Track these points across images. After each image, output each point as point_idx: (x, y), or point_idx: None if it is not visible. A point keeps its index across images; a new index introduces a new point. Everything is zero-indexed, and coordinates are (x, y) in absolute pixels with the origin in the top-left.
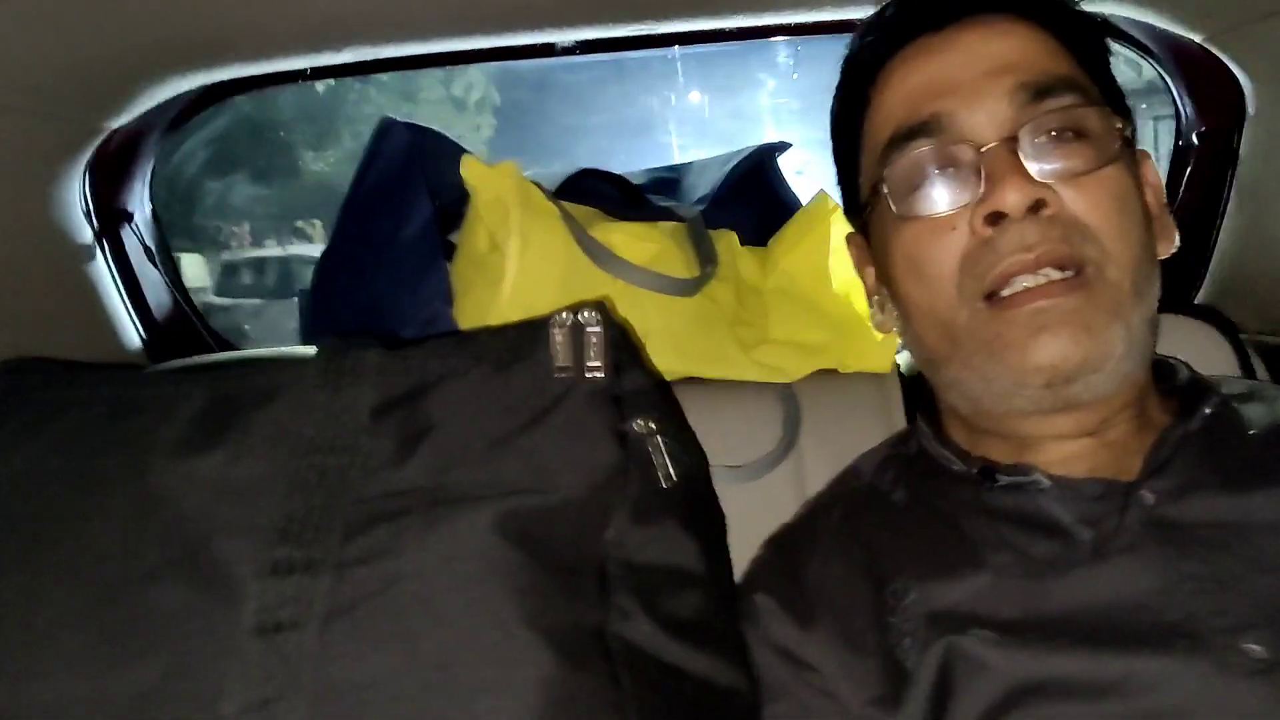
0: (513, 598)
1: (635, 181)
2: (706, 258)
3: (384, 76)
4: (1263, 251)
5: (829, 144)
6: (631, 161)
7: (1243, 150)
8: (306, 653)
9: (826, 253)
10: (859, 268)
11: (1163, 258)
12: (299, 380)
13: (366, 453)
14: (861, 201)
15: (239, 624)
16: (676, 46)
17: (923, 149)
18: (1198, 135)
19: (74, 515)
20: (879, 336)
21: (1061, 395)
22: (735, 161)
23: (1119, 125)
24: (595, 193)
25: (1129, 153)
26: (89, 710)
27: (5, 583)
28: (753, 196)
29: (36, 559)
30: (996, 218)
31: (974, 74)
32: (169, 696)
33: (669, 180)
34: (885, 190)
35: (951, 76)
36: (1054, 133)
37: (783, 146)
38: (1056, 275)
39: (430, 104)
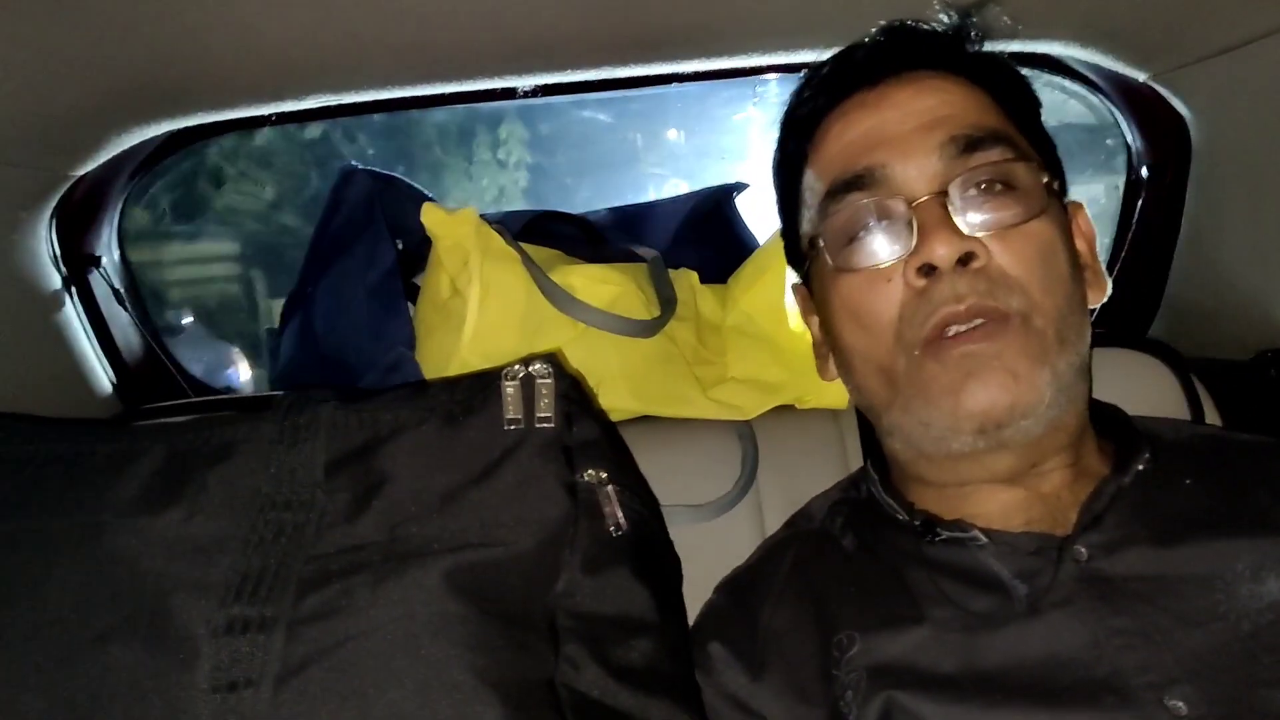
0: (463, 653)
1: (599, 220)
2: (666, 298)
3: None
4: (1212, 283)
5: None
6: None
7: (1190, 184)
8: (261, 711)
9: (783, 291)
10: (805, 317)
11: (1094, 306)
12: (255, 436)
13: (321, 509)
14: (802, 253)
15: (195, 683)
16: (634, 90)
17: (859, 202)
18: (1147, 169)
19: (30, 577)
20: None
21: (993, 439)
22: (695, 201)
23: (1045, 179)
24: (557, 234)
25: (1056, 204)
26: None
27: None
28: (712, 235)
29: None
30: (928, 269)
31: (906, 128)
32: None
33: (630, 219)
34: (822, 244)
35: (884, 131)
36: (983, 186)
37: (740, 186)
38: (980, 322)
39: (480, 164)
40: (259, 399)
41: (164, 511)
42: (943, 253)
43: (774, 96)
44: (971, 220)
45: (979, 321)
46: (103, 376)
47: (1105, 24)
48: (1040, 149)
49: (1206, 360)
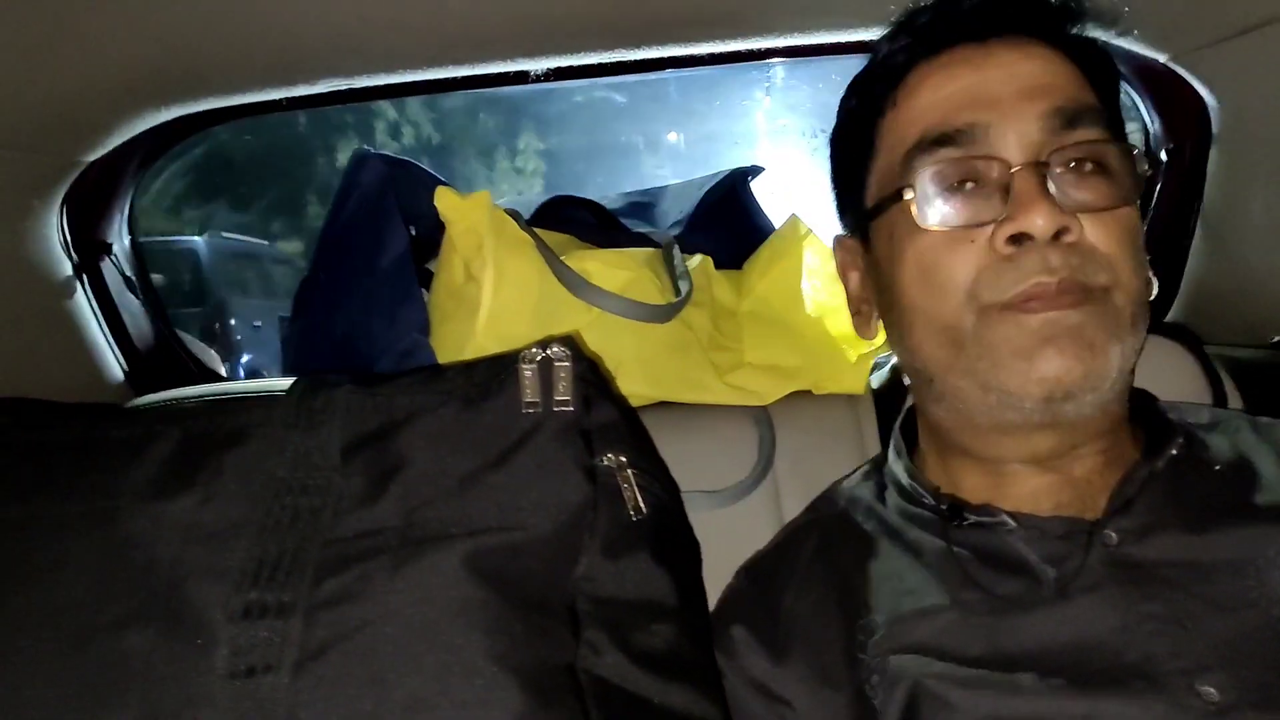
0: (482, 638)
1: (611, 206)
2: (681, 284)
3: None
4: (1231, 268)
5: (801, 166)
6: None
7: (1210, 167)
8: (279, 697)
9: (799, 276)
10: (843, 270)
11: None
12: (270, 420)
13: (338, 493)
14: (870, 205)
15: (212, 669)
16: (650, 73)
17: (951, 157)
18: (1166, 152)
19: (44, 562)
20: (853, 358)
21: (1054, 410)
22: (710, 185)
23: (1141, 167)
24: (571, 219)
25: (1139, 193)
26: None
27: None
28: (727, 220)
29: (7, 607)
30: (1020, 239)
31: (1010, 91)
32: None
33: (644, 204)
34: (909, 195)
35: (987, 90)
36: (1078, 164)
37: (755, 170)
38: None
39: (501, 172)
40: (270, 387)
41: (178, 497)
42: (1041, 224)
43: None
44: (1068, 196)
45: (1066, 296)
46: (114, 364)
47: (1126, 3)
48: (1119, 134)
49: (1228, 345)
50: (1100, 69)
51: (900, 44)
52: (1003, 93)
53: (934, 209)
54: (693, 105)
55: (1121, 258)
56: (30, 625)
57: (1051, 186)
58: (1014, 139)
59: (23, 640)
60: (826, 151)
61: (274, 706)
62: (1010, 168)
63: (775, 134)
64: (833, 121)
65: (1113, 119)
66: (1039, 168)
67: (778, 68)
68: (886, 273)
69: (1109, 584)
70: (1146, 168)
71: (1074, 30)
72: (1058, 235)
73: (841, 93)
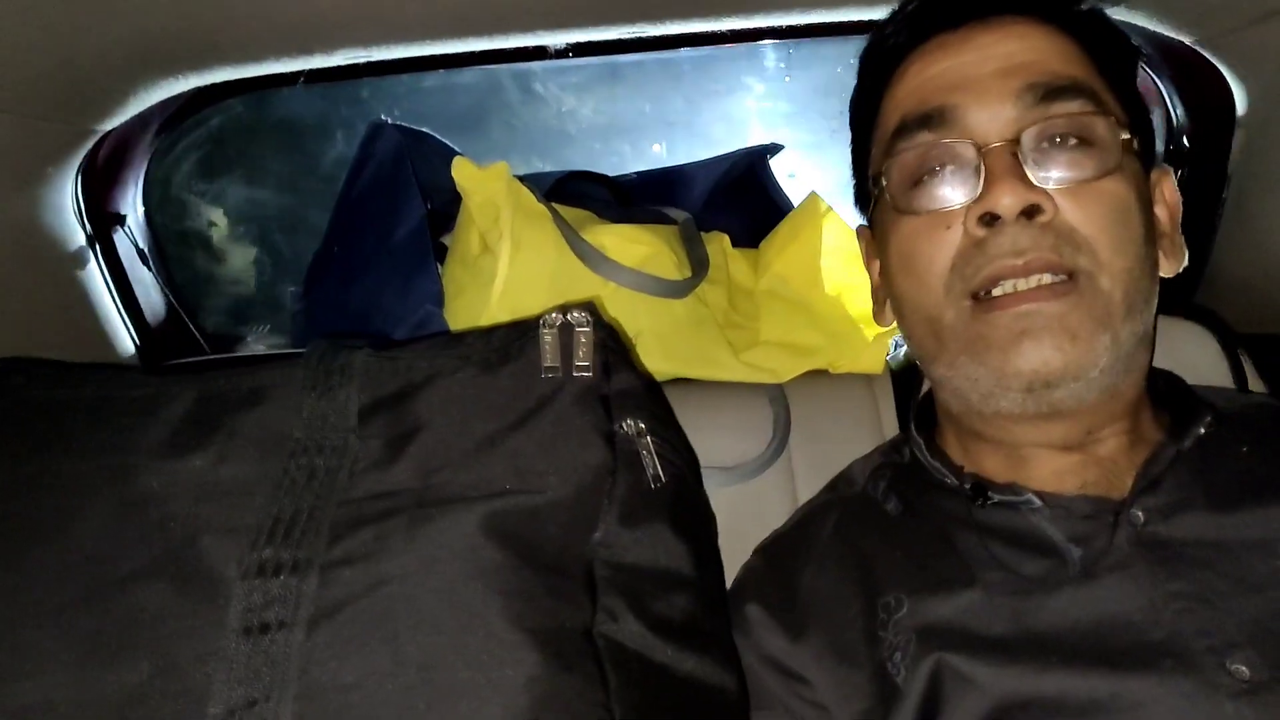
0: (498, 599)
1: (628, 183)
2: (698, 260)
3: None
4: (1256, 253)
5: (819, 147)
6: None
7: (1234, 152)
8: (293, 654)
9: (818, 254)
10: (867, 261)
11: (1166, 274)
12: (287, 381)
13: (354, 454)
14: (869, 193)
15: (225, 625)
16: (670, 50)
17: (925, 141)
18: (1189, 137)
19: (58, 516)
20: (870, 338)
21: (1043, 400)
22: (728, 164)
23: (1125, 136)
24: (586, 195)
25: (1135, 164)
26: (76, 711)
27: None
28: (745, 199)
29: (21, 560)
30: (991, 219)
31: (984, 72)
32: (156, 697)
33: (661, 182)
34: (884, 183)
35: (962, 73)
36: (1057, 138)
37: (775, 149)
38: (1047, 279)
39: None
40: (285, 356)
41: (193, 455)
42: (1008, 202)
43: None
44: (1042, 172)
45: (1042, 278)
46: (125, 335)
47: None
48: (1129, 107)
49: (1251, 330)
50: (1103, 43)
51: (889, 33)
52: (977, 74)
53: (909, 195)
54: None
55: (1103, 237)
56: (44, 578)
57: (1024, 163)
58: (987, 118)
59: (37, 593)
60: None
61: (287, 663)
62: (983, 147)
63: (801, 115)
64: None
65: (1122, 93)
66: (1010, 145)
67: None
68: (883, 260)
69: (1136, 563)
70: (1129, 138)
71: (1069, 5)
72: (1031, 214)
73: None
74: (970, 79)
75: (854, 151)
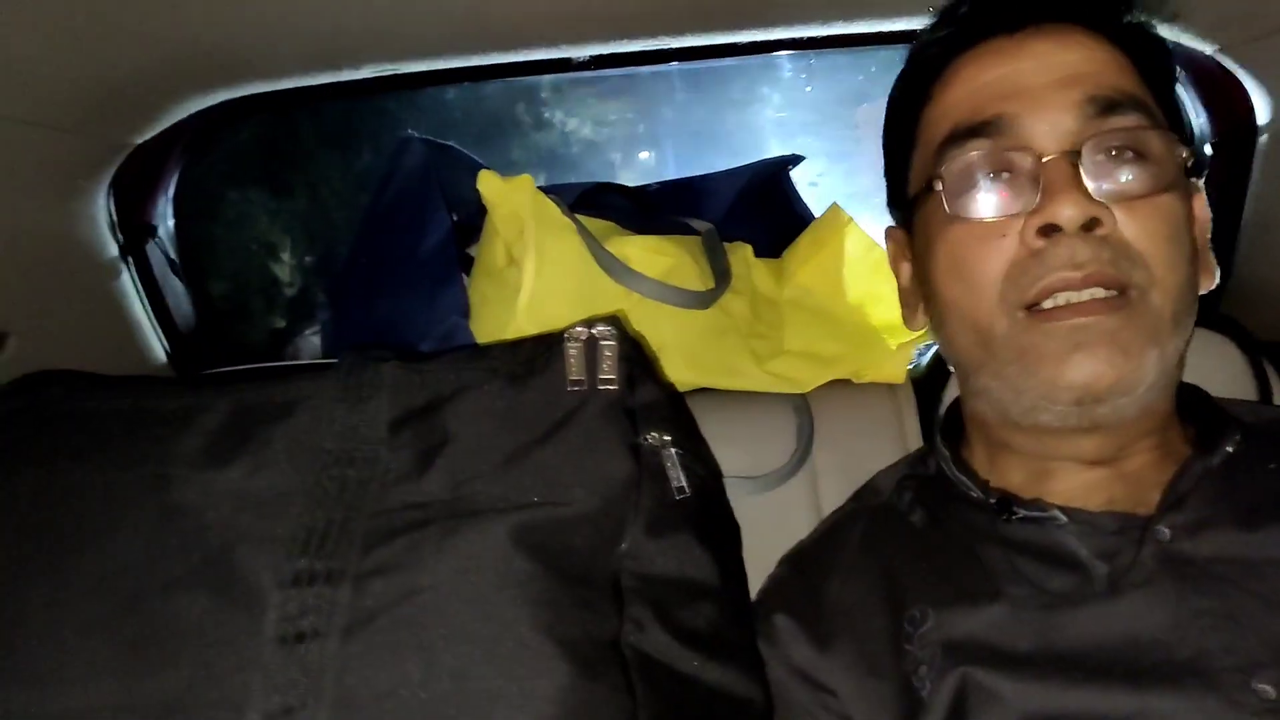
0: (528, 609)
1: (652, 192)
2: (721, 270)
3: None
4: (1279, 261)
5: (842, 156)
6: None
7: (1256, 161)
8: (328, 662)
9: (841, 264)
10: (894, 262)
11: (1202, 292)
12: (318, 393)
13: (385, 466)
14: (910, 195)
15: (262, 633)
16: (691, 62)
17: (981, 149)
18: (1211, 146)
19: (97, 526)
20: (893, 347)
21: (1089, 415)
22: (749, 174)
23: (1182, 153)
24: (610, 206)
25: (1186, 182)
26: (117, 717)
27: (31, 593)
28: (767, 209)
29: (61, 570)
30: (1049, 230)
31: (1043, 81)
32: (195, 705)
33: (683, 193)
34: (939, 187)
35: (1020, 80)
36: (1115, 151)
37: (796, 159)
38: (1101, 294)
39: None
40: (315, 367)
41: (228, 466)
42: (1069, 214)
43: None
44: (1101, 186)
45: (1096, 292)
46: (157, 346)
47: None
48: (1173, 122)
49: (1275, 341)
50: (1150, 56)
51: (939, 36)
52: (1035, 82)
53: (963, 200)
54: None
55: (1159, 253)
56: (85, 588)
57: (1084, 176)
58: (1046, 128)
59: (78, 602)
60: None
61: (322, 672)
62: (1041, 158)
63: (822, 125)
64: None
65: (1166, 107)
66: (1070, 157)
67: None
68: (925, 265)
69: (1162, 580)
70: (1186, 154)
71: (1122, 16)
72: (1090, 227)
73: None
74: (1029, 88)
75: (890, 152)
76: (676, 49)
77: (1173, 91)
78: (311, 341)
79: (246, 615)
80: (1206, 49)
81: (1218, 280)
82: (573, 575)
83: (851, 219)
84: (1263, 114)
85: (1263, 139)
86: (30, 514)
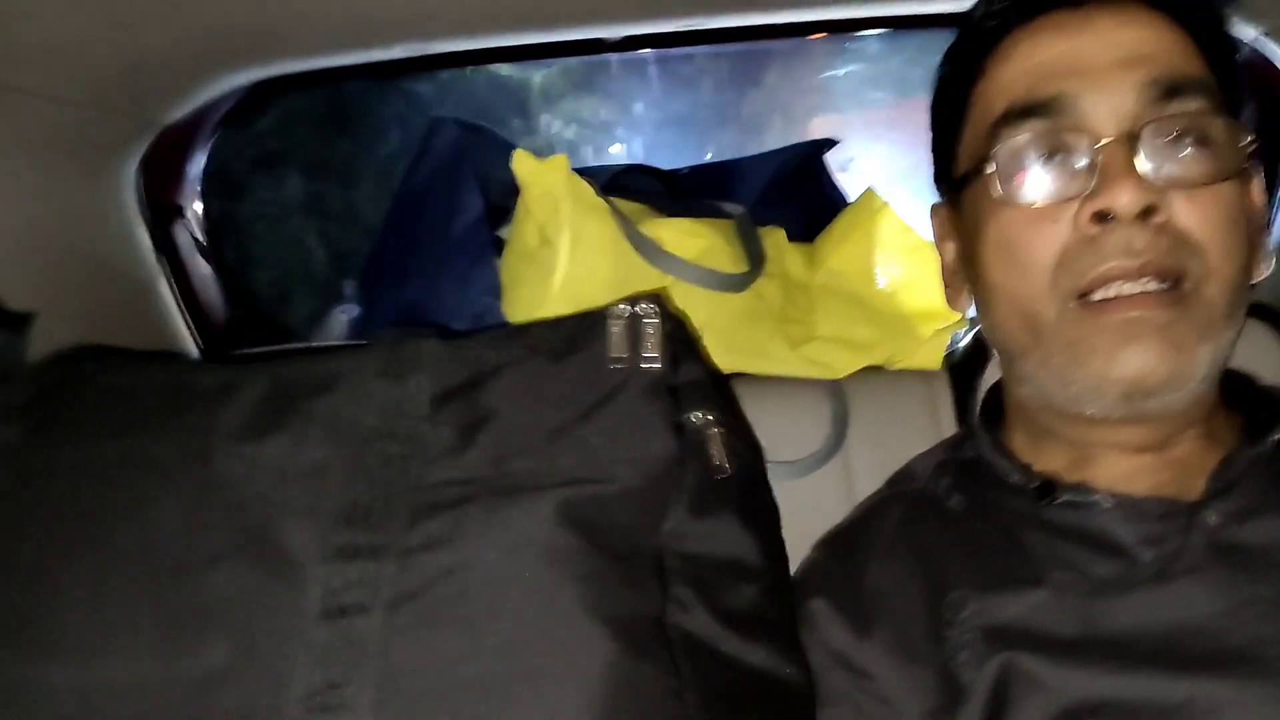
0: (574, 586)
1: (683, 177)
2: (754, 254)
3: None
4: None
5: (876, 141)
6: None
7: None
8: (373, 637)
9: (874, 250)
10: (939, 240)
11: (1255, 281)
12: (359, 369)
13: (427, 441)
14: (959, 174)
15: (305, 608)
16: (723, 44)
17: (1037, 130)
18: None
19: (137, 499)
20: (928, 333)
21: (1136, 408)
22: (782, 158)
23: (1244, 139)
24: (642, 188)
25: (1245, 169)
26: (159, 690)
27: (72, 566)
28: (800, 193)
29: (101, 543)
30: (1104, 216)
31: (1105, 60)
32: (237, 678)
33: (715, 176)
34: (990, 169)
35: (1080, 58)
36: (1176, 137)
37: (830, 143)
38: (1154, 286)
39: None
40: (348, 348)
41: (269, 439)
42: (1126, 200)
43: None
44: (1160, 171)
45: (1150, 283)
46: (183, 325)
47: None
48: (1235, 107)
49: None
50: (1214, 38)
51: (995, 8)
52: (1096, 61)
53: (1015, 183)
54: None
55: (1216, 243)
56: (124, 560)
57: (1142, 161)
58: (1105, 110)
59: (119, 574)
60: None
61: (367, 646)
62: (1099, 140)
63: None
64: None
65: (1226, 91)
66: (1129, 140)
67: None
68: (972, 246)
69: (1211, 566)
70: (1249, 140)
71: None
72: (1147, 215)
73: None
74: (1089, 66)
75: (937, 128)
76: (708, 30)
77: (1234, 76)
78: (340, 319)
79: (289, 589)
80: (1250, 33)
81: (1272, 268)
82: (618, 553)
83: (886, 204)
84: None
85: None
86: (69, 487)
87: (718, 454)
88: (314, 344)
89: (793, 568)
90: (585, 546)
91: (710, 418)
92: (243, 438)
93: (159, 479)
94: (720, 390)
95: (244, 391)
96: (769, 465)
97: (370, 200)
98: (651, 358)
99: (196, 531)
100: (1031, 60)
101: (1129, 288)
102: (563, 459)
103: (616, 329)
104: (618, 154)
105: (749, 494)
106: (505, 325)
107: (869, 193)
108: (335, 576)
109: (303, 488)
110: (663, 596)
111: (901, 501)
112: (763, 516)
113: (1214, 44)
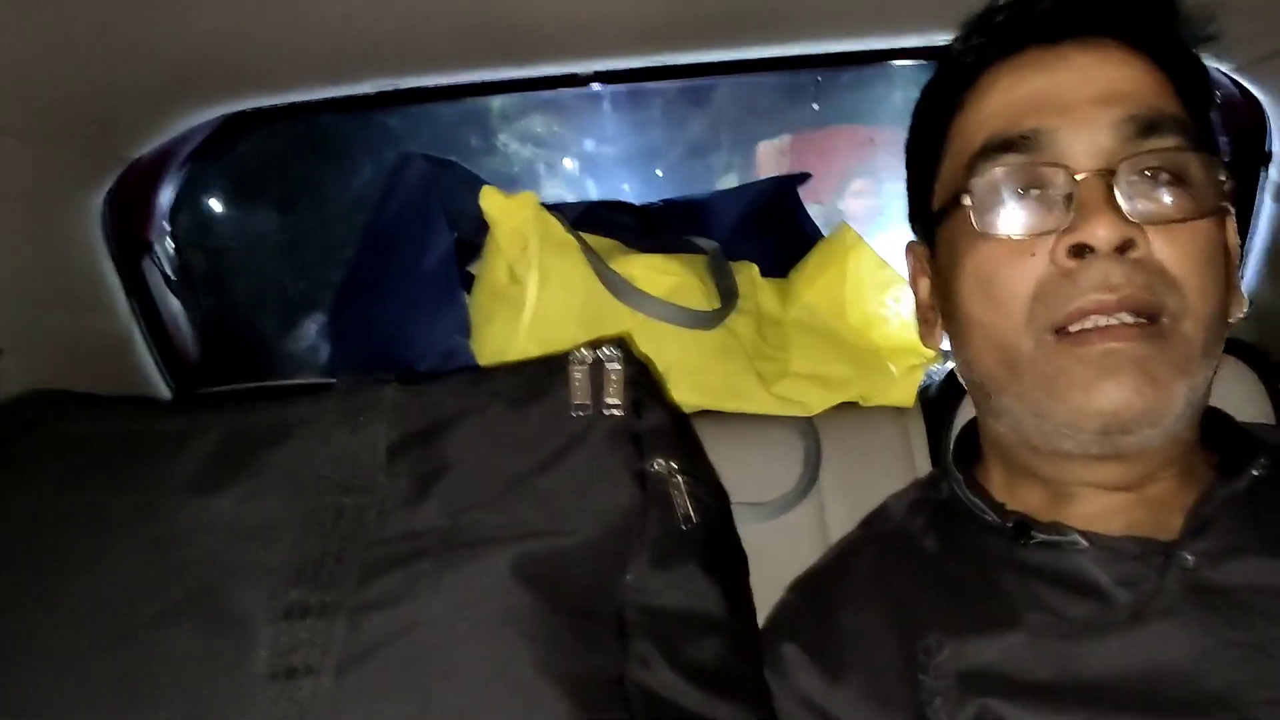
0: (529, 645)
1: (656, 210)
2: (727, 290)
3: None
4: None
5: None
6: None
7: (1269, 182)
8: (321, 700)
9: (848, 285)
10: (913, 278)
11: (1230, 321)
12: (315, 417)
13: (383, 493)
14: (935, 209)
15: (252, 669)
16: (697, 79)
17: (1014, 164)
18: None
19: (87, 554)
20: (902, 370)
21: (1113, 443)
22: (754, 192)
23: (1221, 177)
24: (613, 223)
25: (1222, 206)
26: None
27: (19, 619)
28: (773, 227)
29: (50, 597)
30: (1081, 250)
31: (1082, 96)
32: None
33: (688, 210)
34: (967, 202)
35: (1058, 94)
36: (1152, 173)
37: (803, 177)
38: (1131, 320)
39: None
40: (314, 386)
41: (220, 493)
42: (1103, 234)
43: None
44: (1137, 207)
45: (1126, 318)
46: (152, 362)
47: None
48: (1209, 145)
49: None
50: (1189, 75)
51: (972, 44)
52: (1074, 98)
53: (992, 217)
54: None
55: (1194, 280)
56: (71, 618)
57: (1119, 197)
58: (1082, 146)
59: (65, 633)
60: None
61: (314, 709)
62: (1076, 175)
63: None
64: None
65: (1201, 129)
66: (1106, 176)
67: None
68: (947, 281)
69: (1187, 609)
70: (1225, 178)
71: (1166, 34)
72: (1124, 249)
73: None
74: (1067, 102)
75: (913, 163)
76: (682, 66)
77: (1209, 113)
78: (310, 350)
79: (236, 649)
80: (1224, 67)
81: (1247, 308)
82: (575, 609)
83: (860, 238)
84: (1277, 134)
85: (1277, 161)
86: (20, 539)
87: (681, 503)
88: (278, 383)
89: (768, 611)
90: (541, 604)
91: (674, 465)
92: (197, 489)
93: (109, 533)
94: (684, 436)
95: (199, 441)
96: (740, 507)
97: (339, 231)
98: (613, 404)
99: (148, 588)
100: (1010, 95)
101: (1104, 320)
102: (521, 510)
103: (579, 375)
104: (571, 169)
105: (713, 543)
106: (470, 368)
107: (843, 227)
108: (283, 636)
109: (253, 543)
110: (623, 653)
111: (876, 542)
112: (728, 566)
113: (1190, 82)
